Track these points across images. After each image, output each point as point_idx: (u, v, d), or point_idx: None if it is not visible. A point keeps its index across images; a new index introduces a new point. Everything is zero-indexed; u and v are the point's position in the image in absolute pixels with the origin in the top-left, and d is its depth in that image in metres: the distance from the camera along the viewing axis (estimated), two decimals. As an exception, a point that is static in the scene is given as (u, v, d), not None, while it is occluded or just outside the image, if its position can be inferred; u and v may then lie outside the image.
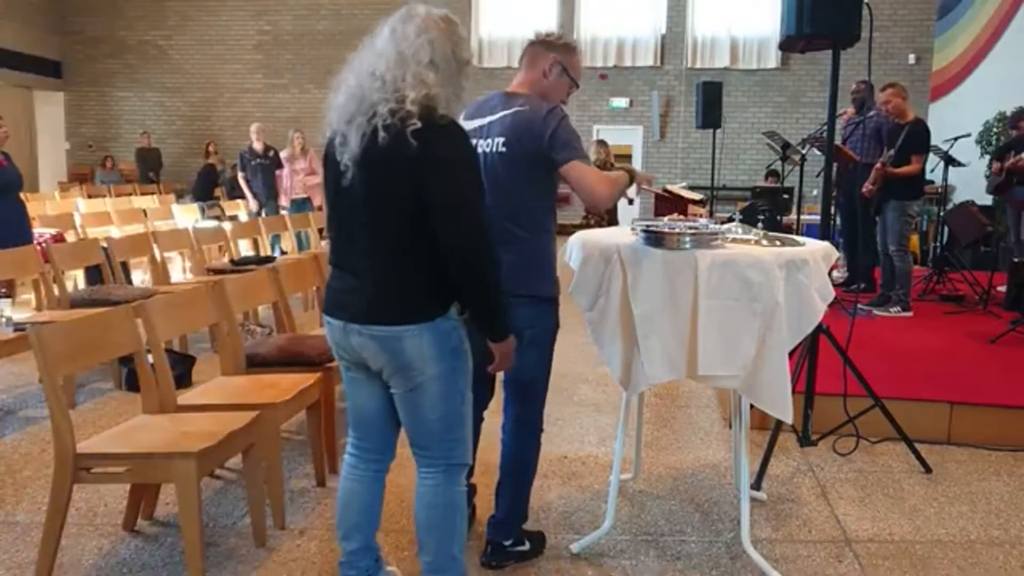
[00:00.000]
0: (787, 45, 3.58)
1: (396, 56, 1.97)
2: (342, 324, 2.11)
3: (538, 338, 2.49)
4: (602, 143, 8.74)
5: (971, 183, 9.19)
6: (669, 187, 3.64)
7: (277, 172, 9.28)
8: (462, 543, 2.24)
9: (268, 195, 9.22)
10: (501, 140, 2.43)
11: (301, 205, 9.21)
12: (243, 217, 9.61)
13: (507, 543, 2.67)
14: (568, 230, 3.50)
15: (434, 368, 2.06)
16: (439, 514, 2.19)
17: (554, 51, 2.51)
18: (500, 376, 2.50)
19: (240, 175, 9.33)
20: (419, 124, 1.91)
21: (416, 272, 2.04)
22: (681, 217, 2.78)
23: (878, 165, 5.89)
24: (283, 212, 8.95)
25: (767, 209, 7.45)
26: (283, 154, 9.24)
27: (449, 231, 1.97)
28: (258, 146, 9.20)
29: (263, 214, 8.97)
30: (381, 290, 2.04)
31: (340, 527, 2.29)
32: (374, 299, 2.05)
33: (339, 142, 2.04)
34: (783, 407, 2.48)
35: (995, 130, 8.84)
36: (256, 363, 3.41)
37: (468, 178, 2.00)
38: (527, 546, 2.72)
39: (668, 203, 4.46)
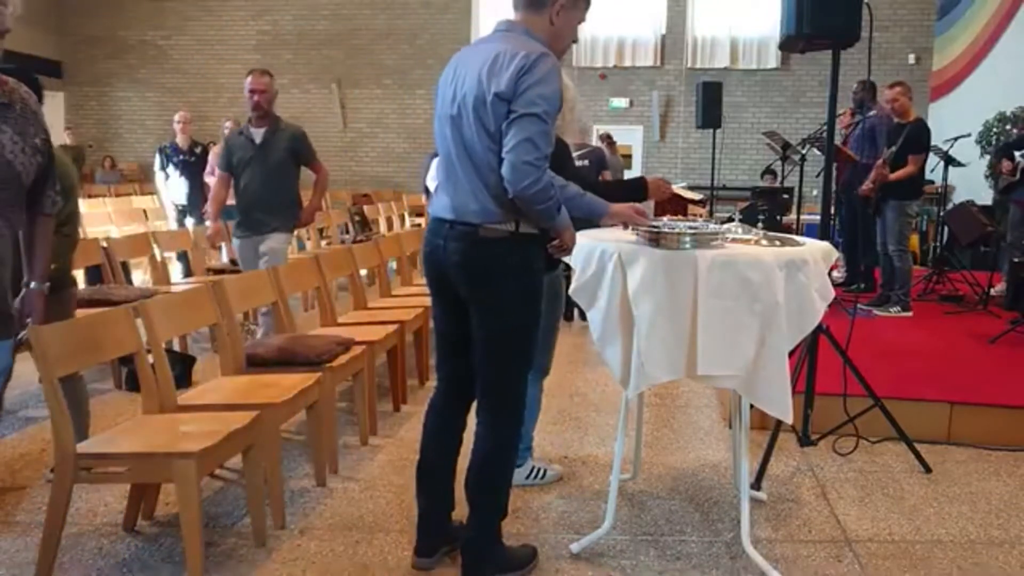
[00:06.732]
0: (787, 45, 3.58)
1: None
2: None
3: None
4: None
5: (971, 183, 9.18)
6: (669, 187, 3.63)
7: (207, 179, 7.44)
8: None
9: (192, 202, 7.39)
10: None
11: (230, 213, 5.45)
12: (173, 226, 7.60)
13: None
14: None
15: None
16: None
17: None
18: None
19: (159, 175, 7.52)
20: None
21: None
22: (681, 217, 2.78)
23: (879, 163, 5.88)
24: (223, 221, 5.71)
25: (767, 209, 7.44)
26: (215, 150, 7.10)
27: None
28: (182, 140, 7.46)
29: (182, 224, 7.33)
30: None
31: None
32: None
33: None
34: (783, 407, 2.48)
35: (995, 130, 8.81)
36: (256, 363, 3.41)
37: None
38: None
39: (668, 203, 4.47)
